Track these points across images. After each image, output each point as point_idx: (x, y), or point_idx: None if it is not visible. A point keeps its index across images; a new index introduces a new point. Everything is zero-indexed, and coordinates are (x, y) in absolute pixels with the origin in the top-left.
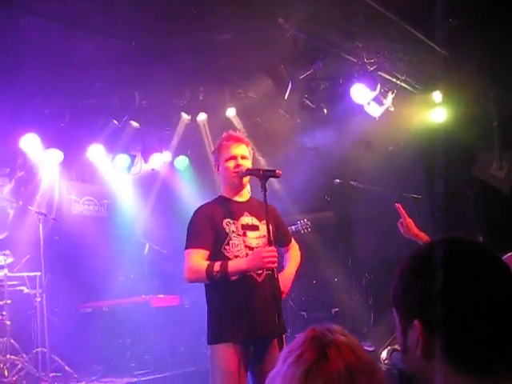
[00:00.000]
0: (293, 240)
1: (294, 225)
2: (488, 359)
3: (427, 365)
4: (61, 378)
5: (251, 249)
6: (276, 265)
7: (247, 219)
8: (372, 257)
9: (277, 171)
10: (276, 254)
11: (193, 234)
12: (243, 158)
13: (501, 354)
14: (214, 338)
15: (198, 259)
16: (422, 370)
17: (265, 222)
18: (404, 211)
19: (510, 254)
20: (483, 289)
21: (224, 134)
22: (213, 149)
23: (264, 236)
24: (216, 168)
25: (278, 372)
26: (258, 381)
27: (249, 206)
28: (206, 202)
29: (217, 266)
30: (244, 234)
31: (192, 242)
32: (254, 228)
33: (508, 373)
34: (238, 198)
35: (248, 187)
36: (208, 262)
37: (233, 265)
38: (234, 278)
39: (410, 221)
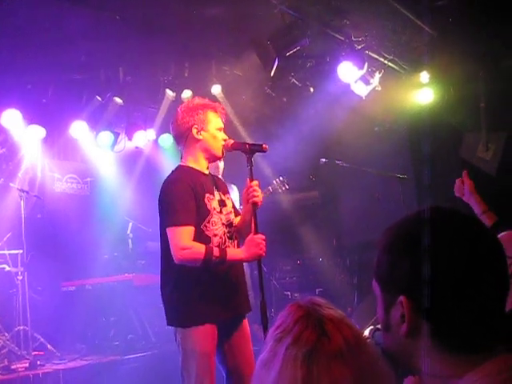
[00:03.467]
0: None
1: (270, 185)
2: (476, 336)
3: (411, 343)
4: (43, 357)
5: (226, 226)
6: (259, 199)
7: (218, 194)
8: (357, 237)
9: (263, 145)
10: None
11: (178, 208)
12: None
13: (488, 331)
14: (191, 320)
15: (189, 238)
16: (404, 347)
17: (228, 196)
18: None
19: (504, 233)
20: (475, 264)
21: (208, 101)
22: (192, 105)
23: (231, 212)
24: (197, 131)
25: (274, 354)
26: (225, 356)
27: (212, 180)
28: (174, 173)
29: (216, 251)
30: (220, 211)
31: (180, 217)
32: (225, 204)
33: (494, 349)
34: (206, 171)
35: None
36: (205, 245)
37: (231, 253)
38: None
39: (471, 182)
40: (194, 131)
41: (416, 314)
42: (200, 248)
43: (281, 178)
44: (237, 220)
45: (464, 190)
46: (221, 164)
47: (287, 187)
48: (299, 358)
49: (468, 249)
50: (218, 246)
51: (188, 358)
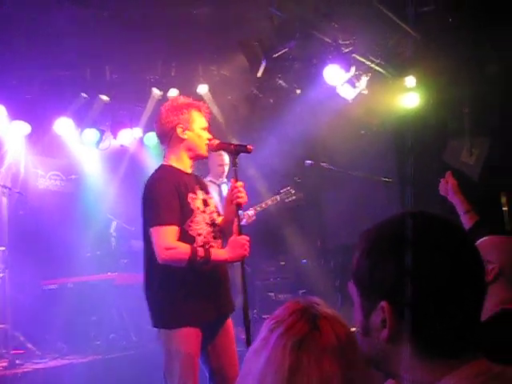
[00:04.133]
0: None
1: (277, 194)
2: (456, 341)
3: (391, 348)
4: (23, 356)
5: (209, 226)
6: (243, 200)
7: (201, 194)
8: (341, 239)
9: (248, 146)
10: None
11: (162, 207)
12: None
13: (468, 336)
14: (175, 321)
15: (173, 237)
16: (384, 353)
17: (210, 196)
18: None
19: (485, 238)
20: (458, 270)
21: (192, 100)
22: (176, 104)
23: (214, 212)
24: (182, 130)
25: (266, 343)
26: (209, 357)
27: (197, 180)
28: (157, 172)
29: (200, 251)
30: (204, 211)
31: (164, 216)
32: (208, 203)
33: (473, 354)
34: (188, 170)
35: None
36: (189, 245)
37: (215, 254)
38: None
39: (454, 181)
40: (179, 130)
41: (397, 320)
42: (185, 248)
43: (288, 188)
44: (220, 220)
45: (448, 189)
46: (226, 168)
47: (294, 198)
48: (288, 347)
49: (451, 255)
50: (203, 246)
51: (172, 360)
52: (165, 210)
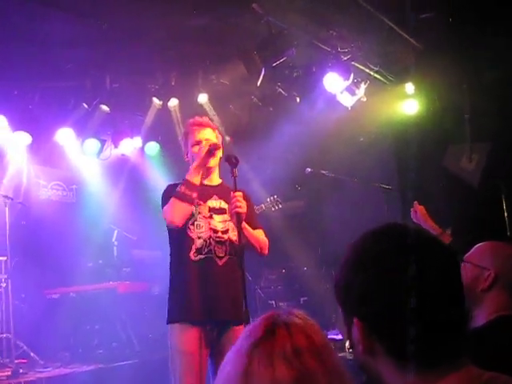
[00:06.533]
0: (260, 228)
1: (263, 203)
2: (429, 354)
3: (371, 360)
4: (26, 365)
5: (215, 232)
6: (241, 209)
7: (215, 202)
8: (342, 246)
9: (234, 159)
10: (241, 197)
11: (168, 198)
12: (207, 140)
13: (440, 348)
14: (172, 317)
15: None
16: (367, 364)
17: None
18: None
19: (481, 243)
20: (424, 283)
21: (189, 121)
22: (180, 137)
23: (228, 220)
24: (186, 155)
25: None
26: (216, 364)
27: (218, 190)
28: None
29: (179, 187)
30: (210, 217)
31: (166, 201)
32: (222, 211)
33: (449, 366)
34: (206, 182)
35: (217, 172)
36: None
37: (189, 172)
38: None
39: (421, 208)
40: (185, 157)
41: (370, 334)
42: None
43: (274, 197)
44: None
45: (418, 217)
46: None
47: (280, 206)
48: (244, 349)
49: (420, 269)
50: (201, 248)
51: (172, 354)
52: (168, 199)
